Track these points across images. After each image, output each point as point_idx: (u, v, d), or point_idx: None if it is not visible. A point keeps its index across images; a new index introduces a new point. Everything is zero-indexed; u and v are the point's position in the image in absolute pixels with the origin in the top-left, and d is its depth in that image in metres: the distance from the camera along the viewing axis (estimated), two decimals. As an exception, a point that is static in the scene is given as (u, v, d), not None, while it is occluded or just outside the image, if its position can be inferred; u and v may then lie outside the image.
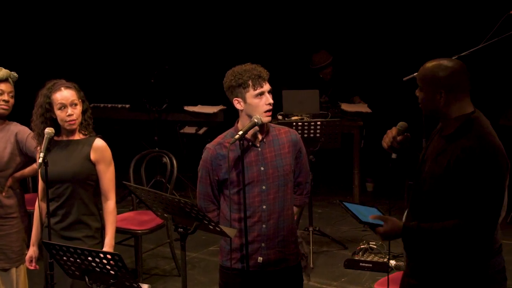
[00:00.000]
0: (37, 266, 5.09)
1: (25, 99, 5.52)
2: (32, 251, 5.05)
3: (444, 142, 3.76)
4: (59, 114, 4.77)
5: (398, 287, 4.13)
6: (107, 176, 4.88)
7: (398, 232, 3.73)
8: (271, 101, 4.32)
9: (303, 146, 4.57)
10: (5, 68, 5.43)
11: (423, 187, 3.79)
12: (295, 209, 4.62)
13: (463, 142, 3.64)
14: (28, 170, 5.51)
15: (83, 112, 4.88)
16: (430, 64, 3.78)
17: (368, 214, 3.84)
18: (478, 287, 3.76)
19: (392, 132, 3.92)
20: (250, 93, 4.28)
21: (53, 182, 4.76)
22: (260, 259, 4.40)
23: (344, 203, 3.90)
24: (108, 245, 4.84)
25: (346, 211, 3.91)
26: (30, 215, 7.02)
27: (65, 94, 4.76)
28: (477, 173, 3.57)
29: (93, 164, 4.84)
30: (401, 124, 3.93)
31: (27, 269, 5.26)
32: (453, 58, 5.44)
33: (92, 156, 4.82)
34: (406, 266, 4.03)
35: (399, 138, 3.91)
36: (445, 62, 3.76)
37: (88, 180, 4.84)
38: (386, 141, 3.94)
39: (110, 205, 4.90)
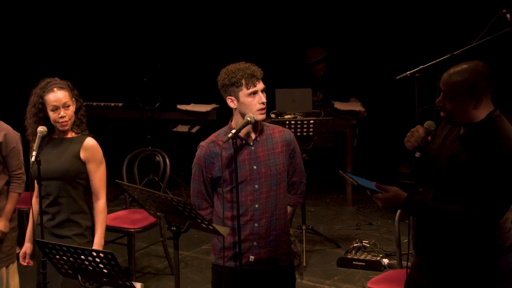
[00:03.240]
0: (31, 263, 5.08)
1: (18, 96, 5.51)
2: (25, 247, 5.05)
3: (464, 139, 3.76)
4: (52, 115, 4.78)
5: (391, 286, 4.13)
6: (98, 175, 4.87)
7: (400, 201, 3.70)
8: (264, 100, 4.32)
9: (297, 146, 4.57)
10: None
11: (440, 184, 3.79)
12: (288, 208, 4.62)
13: (482, 141, 3.65)
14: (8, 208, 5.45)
15: (76, 111, 4.88)
16: (458, 70, 3.74)
17: (369, 184, 3.81)
18: (485, 285, 3.76)
19: (419, 131, 3.84)
20: (243, 92, 4.28)
21: (44, 179, 4.76)
22: (251, 258, 4.40)
23: (345, 173, 3.89)
24: (97, 244, 4.83)
25: (345, 178, 3.86)
26: (23, 214, 7.05)
27: (57, 96, 4.76)
28: (489, 165, 3.59)
29: (83, 163, 4.83)
30: (429, 123, 3.86)
31: (22, 267, 5.24)
32: (445, 57, 5.51)
33: (82, 155, 4.82)
34: (415, 267, 4.01)
35: (429, 138, 3.86)
36: (472, 65, 3.76)
37: (77, 178, 4.83)
38: (412, 140, 3.85)
39: (100, 204, 4.90)
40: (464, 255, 3.75)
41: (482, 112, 3.74)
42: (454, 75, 3.74)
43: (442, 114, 3.81)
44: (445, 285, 3.83)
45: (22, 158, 5.35)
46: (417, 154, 3.87)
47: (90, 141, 4.87)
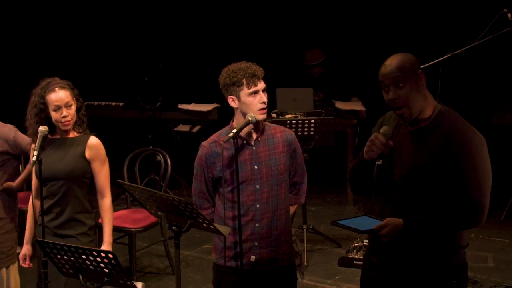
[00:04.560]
0: (31, 265, 5.08)
1: (18, 97, 5.52)
2: (25, 249, 5.05)
3: (419, 135, 3.76)
4: (54, 115, 4.78)
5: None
6: (102, 173, 4.88)
7: (399, 228, 3.67)
8: (265, 99, 4.31)
9: (299, 146, 4.56)
10: (-1, 66, 5.43)
11: (405, 184, 3.77)
12: (290, 208, 4.62)
13: (446, 131, 3.68)
14: (20, 179, 5.50)
15: (77, 110, 4.88)
16: (393, 60, 3.75)
17: (363, 222, 3.79)
18: (442, 281, 3.79)
19: (379, 138, 3.80)
20: (244, 91, 4.28)
21: (48, 180, 4.77)
22: (253, 258, 4.40)
23: (337, 222, 3.79)
24: (107, 242, 4.85)
25: (343, 228, 3.85)
26: (23, 214, 7.05)
27: (59, 96, 4.76)
28: (468, 159, 3.62)
29: (87, 162, 4.84)
30: (386, 128, 3.84)
31: (21, 267, 5.24)
32: (445, 56, 5.51)
33: (87, 154, 4.83)
34: (371, 265, 4.01)
35: (390, 143, 3.83)
36: (402, 54, 3.79)
37: (83, 177, 4.84)
38: (375, 148, 3.80)
39: (106, 202, 4.91)
40: (420, 252, 3.77)
41: (429, 98, 3.77)
42: (392, 63, 3.74)
43: (399, 111, 3.77)
44: (401, 282, 3.85)
45: (29, 138, 5.33)
46: (379, 162, 3.81)
47: (94, 140, 4.88)
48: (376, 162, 3.82)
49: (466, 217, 3.66)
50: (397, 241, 3.72)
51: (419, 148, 3.75)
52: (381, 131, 3.84)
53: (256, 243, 4.40)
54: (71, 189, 4.82)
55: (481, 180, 3.64)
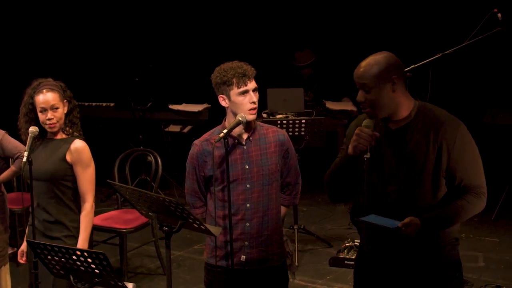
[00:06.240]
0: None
1: (11, 96, 5.51)
2: (25, 245, 5.03)
3: (402, 133, 3.78)
4: (40, 117, 4.77)
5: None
6: (84, 177, 4.83)
7: (418, 225, 3.67)
8: (255, 99, 4.31)
9: (292, 147, 4.56)
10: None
11: (398, 180, 3.79)
12: (283, 209, 4.62)
13: (431, 121, 3.73)
14: (3, 175, 5.49)
15: (68, 113, 4.86)
16: (365, 63, 3.79)
17: (381, 220, 3.78)
18: (434, 276, 3.83)
19: (364, 131, 3.78)
20: (234, 91, 4.28)
21: (33, 180, 4.75)
22: (243, 257, 4.40)
23: (361, 219, 3.79)
24: (80, 247, 4.78)
25: (367, 226, 3.84)
26: (15, 214, 7.05)
27: (46, 98, 4.74)
28: (463, 142, 3.70)
29: (69, 165, 4.80)
30: (368, 121, 3.83)
31: (14, 268, 5.23)
32: (436, 56, 5.52)
33: (68, 157, 4.79)
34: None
35: (376, 134, 3.81)
36: (379, 54, 3.81)
37: (64, 180, 4.80)
38: (362, 142, 3.78)
39: (86, 207, 4.84)
40: (411, 247, 3.79)
41: (402, 99, 3.77)
42: (364, 67, 3.79)
43: (364, 111, 3.83)
44: (396, 279, 3.88)
45: (17, 142, 5.33)
46: (367, 155, 3.80)
47: (77, 144, 4.83)
48: (365, 156, 3.81)
49: (475, 203, 3.74)
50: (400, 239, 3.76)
51: (405, 144, 3.77)
52: (363, 124, 3.84)
53: (246, 243, 4.40)
54: (54, 191, 4.79)
55: (477, 165, 3.75)
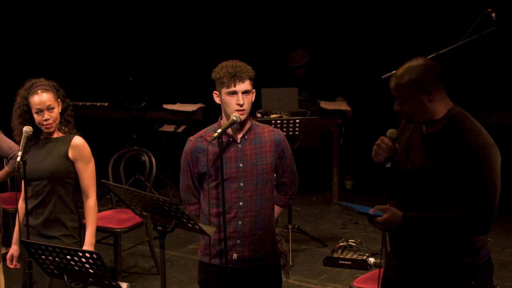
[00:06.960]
0: (18, 265, 5.05)
1: (4, 97, 5.50)
2: (13, 249, 5.02)
3: (431, 139, 3.77)
4: (36, 118, 4.77)
5: (377, 285, 4.13)
6: (87, 173, 4.86)
7: (397, 221, 3.69)
8: (242, 102, 4.28)
9: (288, 147, 4.56)
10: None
11: (415, 185, 3.79)
12: (278, 208, 4.63)
13: (457, 137, 3.67)
14: None
15: (63, 111, 4.87)
16: (402, 72, 3.75)
17: (365, 208, 3.81)
18: (461, 283, 3.80)
19: (384, 142, 3.82)
20: (224, 89, 4.30)
21: (32, 180, 4.75)
22: (234, 256, 4.40)
23: (340, 201, 3.87)
24: (88, 243, 4.83)
25: (343, 207, 3.89)
26: (8, 214, 7.03)
27: (41, 99, 4.74)
28: (478, 166, 3.61)
29: (71, 162, 4.82)
30: (392, 131, 3.86)
31: (7, 268, 5.21)
32: (430, 56, 5.53)
33: (70, 154, 4.81)
34: (392, 265, 4.01)
35: (396, 145, 3.85)
36: (414, 62, 3.77)
37: (66, 178, 4.82)
38: (381, 153, 3.82)
39: (90, 203, 4.89)
40: (438, 254, 3.78)
41: (440, 106, 3.75)
42: (399, 78, 3.74)
43: (401, 117, 3.85)
44: (420, 284, 3.85)
45: (12, 143, 5.34)
46: (388, 165, 3.83)
47: (77, 140, 4.86)
48: (386, 166, 3.84)
49: (472, 223, 3.67)
50: (415, 241, 3.77)
51: (430, 153, 3.75)
52: (387, 133, 3.84)
53: (238, 241, 4.40)
54: (55, 189, 4.80)
55: (490, 188, 3.64)
